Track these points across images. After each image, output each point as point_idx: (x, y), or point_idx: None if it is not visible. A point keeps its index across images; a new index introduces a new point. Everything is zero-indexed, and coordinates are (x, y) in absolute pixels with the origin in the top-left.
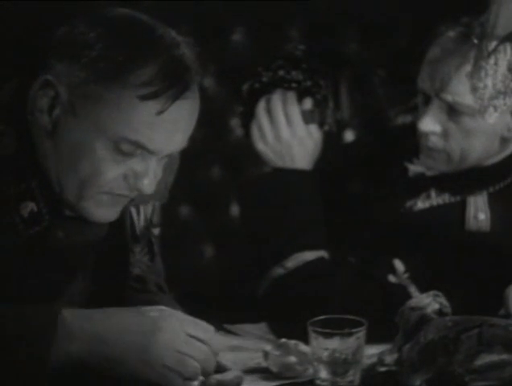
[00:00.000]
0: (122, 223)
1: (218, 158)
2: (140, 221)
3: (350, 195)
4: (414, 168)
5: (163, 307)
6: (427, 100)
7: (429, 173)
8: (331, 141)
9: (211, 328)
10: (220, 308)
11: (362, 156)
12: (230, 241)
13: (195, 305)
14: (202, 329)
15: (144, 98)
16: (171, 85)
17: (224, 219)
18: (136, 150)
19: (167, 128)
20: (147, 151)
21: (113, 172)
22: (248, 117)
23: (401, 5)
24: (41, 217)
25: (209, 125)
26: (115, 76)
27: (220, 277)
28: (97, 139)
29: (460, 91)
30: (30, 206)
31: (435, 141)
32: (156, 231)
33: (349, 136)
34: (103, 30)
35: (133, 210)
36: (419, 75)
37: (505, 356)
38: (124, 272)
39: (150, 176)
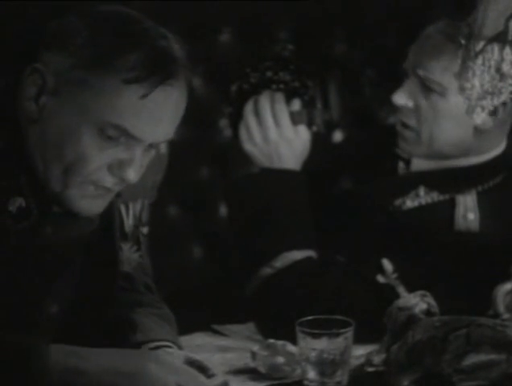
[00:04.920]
0: (111, 219)
1: (206, 158)
2: (129, 218)
3: (339, 195)
4: (402, 166)
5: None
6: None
7: (414, 168)
8: (319, 141)
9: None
10: (208, 308)
11: (351, 155)
12: (218, 241)
13: (183, 306)
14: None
15: (128, 82)
16: (155, 71)
17: (212, 219)
18: (121, 137)
19: (151, 114)
20: (131, 137)
21: (97, 160)
22: (236, 117)
23: (388, 5)
24: (29, 212)
25: (198, 126)
26: (100, 62)
27: (208, 278)
28: (82, 124)
29: (432, 67)
30: (19, 201)
31: (407, 115)
32: (145, 230)
33: (338, 136)
34: (91, 19)
35: (122, 207)
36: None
37: (492, 356)
38: (113, 268)
39: (136, 165)
